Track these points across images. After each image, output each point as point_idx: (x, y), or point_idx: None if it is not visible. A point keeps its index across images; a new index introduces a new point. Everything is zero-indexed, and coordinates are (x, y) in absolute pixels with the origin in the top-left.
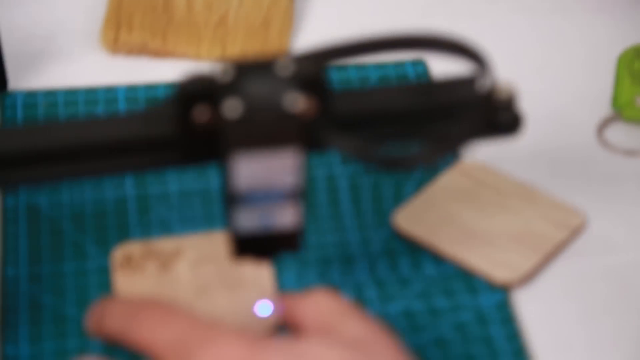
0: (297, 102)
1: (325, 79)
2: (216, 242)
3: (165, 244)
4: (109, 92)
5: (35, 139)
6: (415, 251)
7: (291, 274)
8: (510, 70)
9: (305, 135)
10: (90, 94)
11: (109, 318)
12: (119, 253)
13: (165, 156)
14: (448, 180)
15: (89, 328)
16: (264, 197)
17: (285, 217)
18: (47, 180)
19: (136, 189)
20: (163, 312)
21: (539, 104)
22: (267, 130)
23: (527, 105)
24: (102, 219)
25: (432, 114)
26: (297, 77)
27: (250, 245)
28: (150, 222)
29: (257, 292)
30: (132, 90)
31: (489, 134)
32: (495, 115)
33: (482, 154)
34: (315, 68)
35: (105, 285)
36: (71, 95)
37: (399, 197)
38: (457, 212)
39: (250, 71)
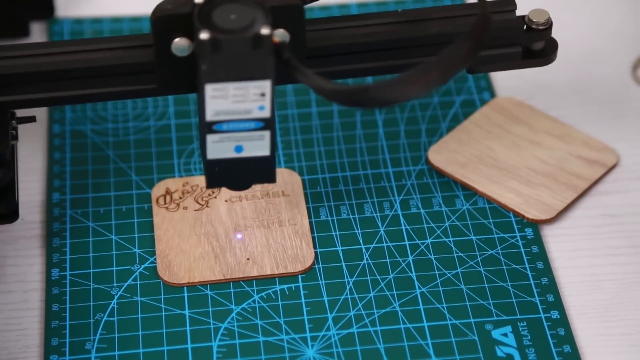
0: (269, 33)
1: (298, 10)
2: None
3: (203, 180)
4: None
5: (22, 60)
6: (448, 186)
7: (324, 209)
8: (546, 5)
9: (276, 67)
10: (135, 23)
11: None
12: (158, 189)
13: (143, 84)
14: (482, 116)
15: None
16: (237, 127)
17: (258, 148)
18: (27, 103)
19: (177, 119)
20: None
21: (575, 41)
22: (239, 61)
23: (563, 42)
24: (145, 147)
25: (420, 45)
26: (270, 8)
27: (225, 175)
28: (193, 152)
29: (292, 229)
30: None
31: (524, 60)
32: (531, 40)
33: (517, 90)
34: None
35: (146, 213)
36: (116, 23)
37: (434, 133)
38: (490, 148)
39: (224, 2)
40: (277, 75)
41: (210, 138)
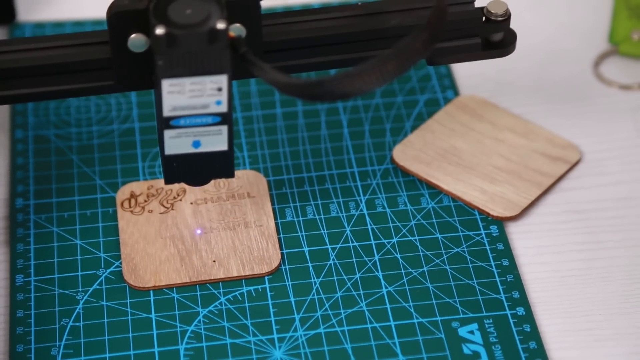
0: (224, 28)
1: (254, 5)
2: (218, 183)
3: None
4: None
5: None
6: (414, 185)
7: (290, 210)
8: (509, 3)
9: (233, 62)
10: (97, 26)
11: None
12: (123, 193)
13: (101, 80)
14: (446, 115)
15: None
16: (194, 122)
17: (216, 142)
18: None
19: (141, 122)
20: None
21: (537, 38)
22: (195, 56)
23: (526, 40)
24: (109, 151)
25: (379, 38)
26: (225, 3)
27: (183, 171)
28: (157, 155)
29: (258, 231)
30: None
31: (484, 51)
32: (490, 32)
33: (480, 89)
34: None
35: (110, 217)
36: (78, 27)
37: (399, 132)
38: (454, 146)
39: None
40: (235, 70)
41: (168, 134)
